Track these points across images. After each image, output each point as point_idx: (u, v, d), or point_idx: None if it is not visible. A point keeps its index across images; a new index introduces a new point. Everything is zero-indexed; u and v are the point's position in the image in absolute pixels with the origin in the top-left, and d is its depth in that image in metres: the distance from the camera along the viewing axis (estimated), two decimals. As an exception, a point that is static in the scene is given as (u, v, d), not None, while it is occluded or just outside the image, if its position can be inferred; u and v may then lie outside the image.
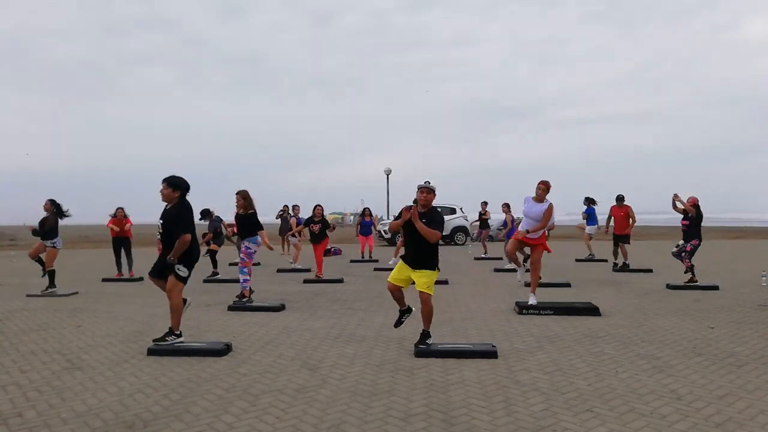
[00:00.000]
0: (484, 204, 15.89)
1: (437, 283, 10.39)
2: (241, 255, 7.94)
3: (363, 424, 3.51)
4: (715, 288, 9.10)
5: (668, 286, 9.35)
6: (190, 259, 5.29)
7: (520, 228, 7.59)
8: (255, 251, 8.02)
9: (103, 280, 11.27)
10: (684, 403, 3.81)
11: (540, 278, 7.75)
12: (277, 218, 16.69)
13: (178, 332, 5.36)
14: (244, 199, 7.91)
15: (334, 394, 4.07)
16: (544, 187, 7.38)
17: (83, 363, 4.99)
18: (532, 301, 7.25)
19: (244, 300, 7.83)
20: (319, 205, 10.93)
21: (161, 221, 5.32)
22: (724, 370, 4.58)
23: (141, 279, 11.35)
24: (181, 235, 5.12)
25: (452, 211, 22.04)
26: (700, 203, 9.33)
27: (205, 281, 10.89)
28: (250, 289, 8.04)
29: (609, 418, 3.54)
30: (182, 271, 5.23)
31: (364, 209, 15.33)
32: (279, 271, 12.77)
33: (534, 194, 7.43)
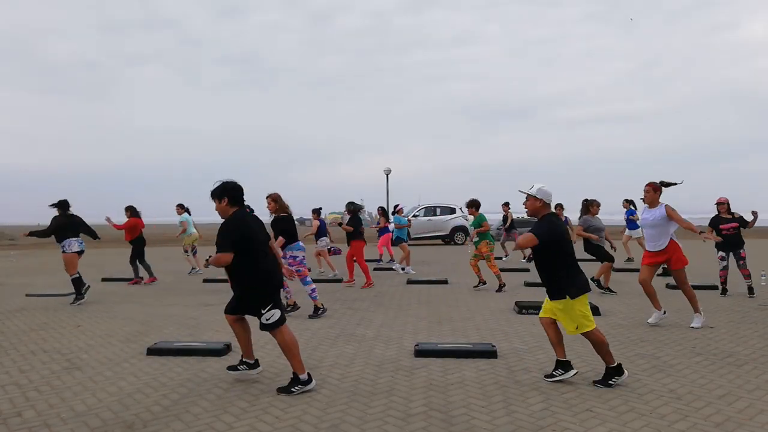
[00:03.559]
0: (506, 205, 14.74)
1: (437, 283, 10.38)
2: (294, 267, 6.98)
3: (362, 423, 3.51)
4: (715, 288, 9.10)
5: (668, 286, 9.34)
6: (257, 292, 4.10)
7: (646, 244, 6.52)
8: (303, 257, 7.19)
9: (103, 279, 11.27)
10: (683, 402, 3.81)
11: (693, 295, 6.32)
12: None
13: (304, 377, 4.13)
14: (274, 201, 7.04)
15: (333, 393, 4.07)
16: (649, 189, 6.34)
17: (83, 363, 4.99)
18: (696, 323, 6.23)
19: (320, 312, 7.02)
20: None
21: None
22: (723, 369, 4.58)
23: (141, 279, 11.37)
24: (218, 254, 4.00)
25: (452, 210, 22.04)
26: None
27: (205, 281, 10.89)
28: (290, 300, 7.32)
29: (608, 418, 3.54)
30: (269, 318, 4.06)
31: (396, 206, 13.73)
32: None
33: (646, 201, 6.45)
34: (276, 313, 4.09)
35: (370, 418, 3.61)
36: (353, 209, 10.28)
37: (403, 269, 12.22)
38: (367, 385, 4.26)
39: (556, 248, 4.17)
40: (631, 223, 12.94)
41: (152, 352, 5.24)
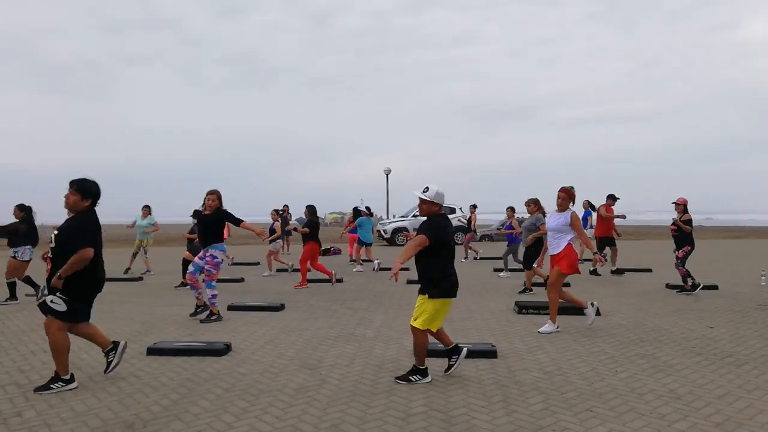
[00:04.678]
0: (473, 207, 15.63)
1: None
2: (207, 266, 6.88)
3: (362, 423, 3.51)
4: (715, 288, 9.10)
5: (668, 286, 9.36)
6: (81, 287, 4.23)
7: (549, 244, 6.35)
8: (222, 261, 7.01)
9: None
10: (683, 402, 3.81)
11: (560, 303, 6.19)
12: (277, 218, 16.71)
13: (67, 377, 4.22)
14: (213, 200, 6.88)
15: (333, 393, 4.07)
16: (564, 195, 6.20)
17: (83, 363, 4.98)
18: (545, 329, 6.06)
19: (213, 318, 6.81)
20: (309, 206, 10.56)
21: (55, 233, 4.24)
22: (723, 369, 4.58)
23: (141, 279, 11.39)
24: (80, 249, 4.06)
25: (451, 210, 22.06)
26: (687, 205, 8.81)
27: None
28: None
29: (608, 418, 3.54)
30: (55, 303, 4.13)
31: (354, 208, 13.91)
32: (279, 270, 12.77)
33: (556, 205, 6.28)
34: (62, 306, 4.14)
35: (370, 418, 3.61)
36: (310, 212, 10.48)
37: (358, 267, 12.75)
38: (367, 385, 4.26)
39: (439, 248, 4.23)
40: (585, 223, 13.25)
41: (152, 352, 5.23)
